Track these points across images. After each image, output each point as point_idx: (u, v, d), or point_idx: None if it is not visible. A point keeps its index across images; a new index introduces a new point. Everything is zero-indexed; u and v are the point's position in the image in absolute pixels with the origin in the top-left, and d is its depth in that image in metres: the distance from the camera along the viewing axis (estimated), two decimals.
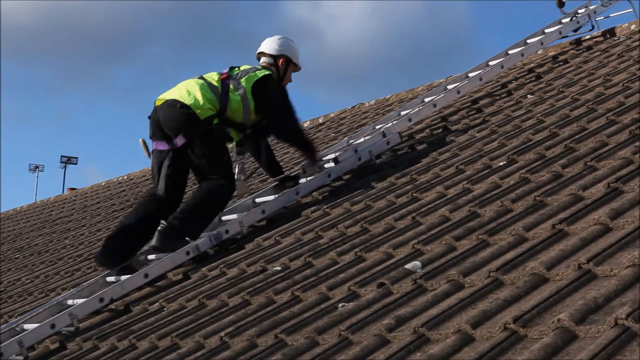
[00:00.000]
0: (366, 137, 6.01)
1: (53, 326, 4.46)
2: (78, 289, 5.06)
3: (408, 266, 3.48)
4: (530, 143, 4.75)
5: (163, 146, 5.34)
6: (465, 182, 4.46)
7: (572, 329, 2.33)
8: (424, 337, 2.71)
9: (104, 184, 11.56)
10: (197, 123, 5.26)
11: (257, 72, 5.55)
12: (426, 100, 6.49)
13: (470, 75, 6.70)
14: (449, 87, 6.60)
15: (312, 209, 5.22)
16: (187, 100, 5.28)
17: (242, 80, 5.47)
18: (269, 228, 5.25)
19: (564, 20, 7.41)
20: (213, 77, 5.48)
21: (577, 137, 4.47)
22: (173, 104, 5.31)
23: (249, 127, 5.59)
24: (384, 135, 5.92)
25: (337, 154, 5.80)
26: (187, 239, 5.15)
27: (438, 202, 4.32)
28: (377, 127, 6.24)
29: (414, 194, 4.64)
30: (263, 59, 5.80)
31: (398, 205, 4.60)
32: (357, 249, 4.00)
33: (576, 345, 2.28)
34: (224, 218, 5.50)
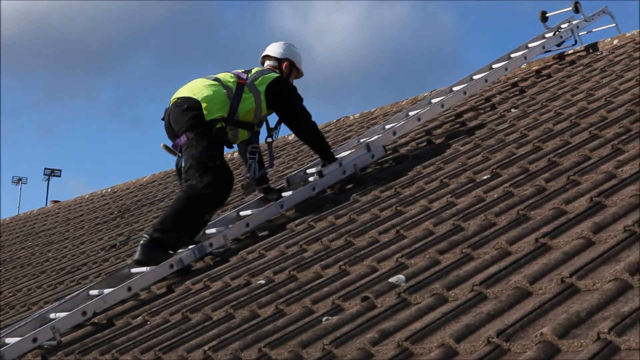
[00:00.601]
0: (351, 151, 6.02)
1: (35, 340, 4.43)
2: (60, 303, 5.03)
3: (392, 280, 3.48)
4: (514, 157, 4.78)
5: (177, 145, 5.43)
6: (449, 195, 4.47)
7: (555, 343, 2.33)
8: (408, 351, 2.71)
9: (87, 196, 11.51)
10: (199, 123, 5.34)
11: (269, 74, 5.69)
12: (410, 114, 6.51)
13: (455, 89, 6.73)
14: (433, 100, 6.62)
15: (297, 222, 5.21)
16: (199, 98, 5.37)
17: (257, 82, 5.59)
18: (253, 241, 5.24)
19: (547, 35, 7.47)
20: (228, 78, 5.56)
21: (560, 151, 4.49)
22: (180, 104, 5.41)
23: (257, 124, 5.72)
24: (368, 148, 5.93)
25: (322, 167, 5.80)
26: (170, 252, 5.14)
27: (422, 215, 4.33)
28: (362, 140, 6.26)
29: (398, 208, 4.64)
30: (267, 63, 5.93)
31: (382, 218, 4.60)
32: (341, 263, 4.00)
33: (559, 359, 2.29)
34: (208, 231, 5.49)
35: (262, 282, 4.25)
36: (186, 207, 5.25)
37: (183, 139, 5.36)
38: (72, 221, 9.81)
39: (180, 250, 5.21)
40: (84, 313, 4.69)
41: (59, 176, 29.15)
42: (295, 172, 6.11)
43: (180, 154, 5.43)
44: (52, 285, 6.39)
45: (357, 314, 3.25)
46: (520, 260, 3.15)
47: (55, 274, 6.89)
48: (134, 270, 5.18)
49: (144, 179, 10.78)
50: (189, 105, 5.36)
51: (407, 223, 4.26)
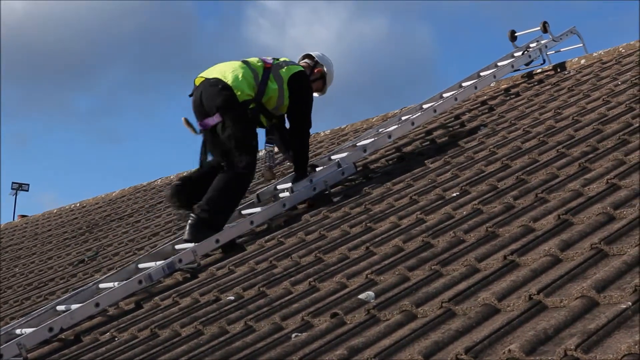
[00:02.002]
0: (321, 167, 6.03)
1: (0, 356, 4.37)
2: (27, 318, 4.97)
3: (361, 296, 3.49)
4: (483, 174, 4.81)
5: (208, 123, 5.56)
6: (418, 212, 4.49)
7: None
8: None
9: (55, 211, 11.41)
10: (234, 104, 5.49)
11: (296, 66, 5.86)
12: (381, 131, 6.55)
13: (425, 106, 6.77)
14: (404, 118, 6.66)
15: (266, 238, 5.21)
16: (230, 81, 5.51)
17: (282, 70, 5.74)
18: (223, 257, 5.23)
19: (516, 54, 7.55)
20: (255, 62, 5.73)
21: (528, 169, 4.54)
22: (215, 83, 5.54)
23: (276, 117, 5.85)
24: (339, 165, 5.95)
25: (292, 183, 5.81)
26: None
27: (392, 232, 4.34)
28: (332, 157, 6.27)
29: (368, 224, 4.65)
30: (305, 60, 6.16)
31: (352, 235, 4.61)
32: (311, 279, 4.00)
33: None
34: (178, 247, 5.47)
35: (232, 298, 4.24)
36: (230, 187, 5.48)
37: (216, 118, 5.49)
38: (40, 236, 9.72)
39: (150, 266, 5.20)
40: (50, 329, 4.64)
41: (27, 190, 28.78)
42: (266, 187, 6.10)
43: (206, 133, 5.59)
44: (19, 301, 6.32)
45: (326, 331, 3.25)
46: (489, 277, 3.17)
47: (22, 290, 6.81)
48: (102, 285, 5.15)
49: (113, 194, 10.71)
50: (224, 86, 5.50)
51: (377, 239, 4.27)
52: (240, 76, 5.55)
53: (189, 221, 5.40)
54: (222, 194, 5.44)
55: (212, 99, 5.50)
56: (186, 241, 5.38)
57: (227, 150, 5.51)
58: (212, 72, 5.63)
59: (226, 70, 5.59)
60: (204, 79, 5.62)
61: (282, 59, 5.87)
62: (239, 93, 5.50)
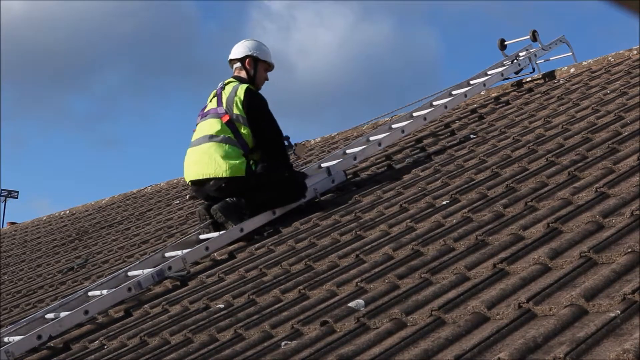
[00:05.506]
0: (311, 175, 6.03)
1: None
2: (15, 326, 4.95)
3: (351, 304, 3.49)
4: (473, 182, 4.83)
5: None
6: (408, 220, 4.50)
7: None
8: None
9: (45, 218, 11.38)
10: (245, 183, 5.55)
11: (237, 91, 5.70)
12: (371, 139, 6.55)
13: (415, 114, 6.78)
14: (394, 126, 6.67)
15: (257, 245, 5.20)
16: (225, 173, 5.51)
17: (234, 109, 5.64)
18: (213, 265, 5.22)
19: (505, 63, 7.58)
20: (216, 127, 5.64)
21: (518, 177, 4.55)
22: (217, 185, 5.56)
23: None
24: (329, 173, 5.96)
25: None
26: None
27: (382, 240, 4.35)
28: (323, 165, 6.28)
29: (358, 232, 4.66)
30: (235, 65, 6.01)
31: (342, 243, 4.61)
32: (300, 287, 4.00)
33: None
34: (167, 254, 5.46)
35: (221, 306, 4.23)
36: (279, 198, 5.63)
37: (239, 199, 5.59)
38: (29, 243, 9.68)
39: (139, 273, 5.20)
40: (39, 337, 4.62)
41: (16, 197, 28.65)
42: None
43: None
44: (7, 309, 6.29)
45: (316, 339, 3.24)
46: (478, 285, 3.18)
47: (10, 297, 6.78)
48: (91, 293, 5.13)
49: (103, 202, 10.68)
50: (225, 181, 5.53)
51: (367, 247, 4.28)
52: (224, 157, 5.52)
53: (228, 199, 5.54)
54: (267, 198, 5.59)
55: (230, 194, 5.57)
56: (213, 209, 5.54)
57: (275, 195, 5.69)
58: (201, 170, 5.59)
59: (210, 162, 5.54)
60: (199, 180, 5.62)
61: (225, 93, 5.71)
62: (239, 174, 5.52)
